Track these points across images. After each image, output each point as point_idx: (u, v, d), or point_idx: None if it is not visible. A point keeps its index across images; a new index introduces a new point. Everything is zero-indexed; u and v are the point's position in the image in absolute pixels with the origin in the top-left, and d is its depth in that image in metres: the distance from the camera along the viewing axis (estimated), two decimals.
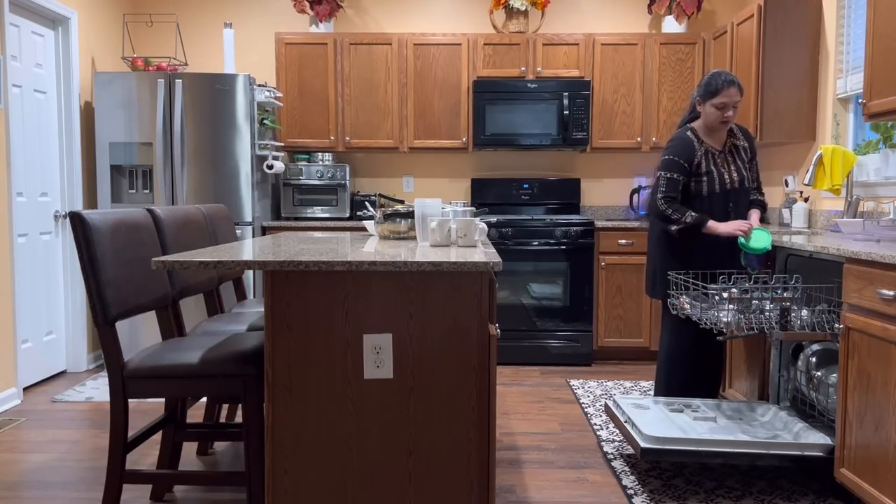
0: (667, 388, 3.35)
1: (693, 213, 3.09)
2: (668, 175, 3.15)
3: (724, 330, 2.79)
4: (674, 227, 3.13)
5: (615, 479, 2.96)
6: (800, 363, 3.01)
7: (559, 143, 5.03)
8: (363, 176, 5.56)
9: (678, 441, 2.75)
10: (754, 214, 3.26)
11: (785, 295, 2.85)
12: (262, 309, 3.31)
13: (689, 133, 3.20)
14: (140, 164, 4.70)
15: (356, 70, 5.12)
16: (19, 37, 4.22)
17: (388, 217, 2.86)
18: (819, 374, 2.90)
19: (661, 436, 2.76)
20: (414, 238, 2.85)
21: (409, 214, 2.85)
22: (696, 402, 3.19)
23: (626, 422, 2.99)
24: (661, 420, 2.97)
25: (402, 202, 3.01)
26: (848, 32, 3.96)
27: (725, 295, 2.84)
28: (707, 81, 3.15)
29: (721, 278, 3.02)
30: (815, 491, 2.81)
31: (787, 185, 4.47)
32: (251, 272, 4.72)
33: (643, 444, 2.76)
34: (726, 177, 3.17)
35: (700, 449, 2.72)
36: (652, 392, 4.12)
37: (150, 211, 2.74)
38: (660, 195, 3.15)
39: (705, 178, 3.16)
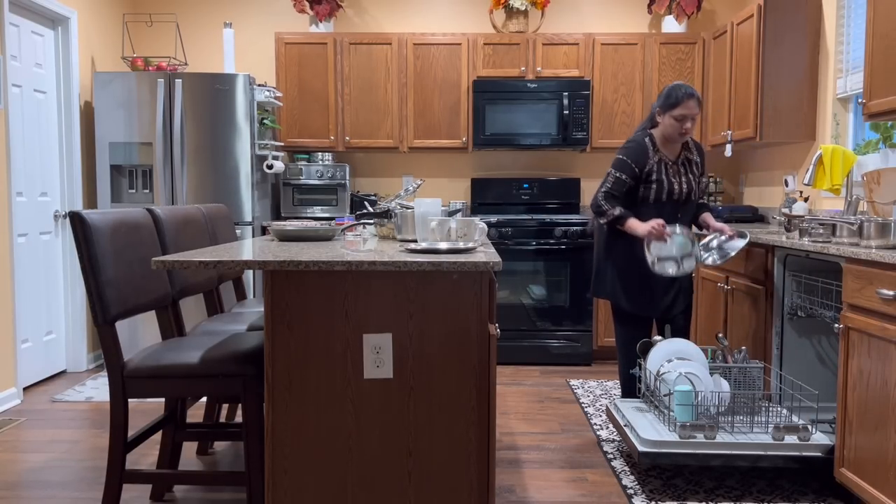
0: (628, 391, 3.37)
1: (621, 209, 3.16)
2: (617, 175, 3.19)
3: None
4: (602, 220, 3.21)
5: (615, 478, 2.96)
6: (648, 360, 3.10)
7: (559, 143, 5.03)
8: (363, 176, 5.56)
9: (676, 444, 2.75)
10: (709, 217, 3.36)
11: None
12: (262, 309, 3.31)
13: (646, 139, 3.23)
14: (140, 164, 4.70)
15: (356, 70, 5.12)
16: (19, 37, 4.22)
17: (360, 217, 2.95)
18: (664, 367, 3.00)
19: (659, 440, 2.76)
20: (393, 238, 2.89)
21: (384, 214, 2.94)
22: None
23: (625, 426, 2.99)
24: (661, 423, 2.97)
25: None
26: (848, 32, 3.96)
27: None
28: (667, 93, 3.18)
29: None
30: (815, 490, 2.81)
31: (787, 184, 4.47)
32: (251, 272, 4.72)
33: (641, 448, 2.76)
34: (675, 187, 3.21)
35: (698, 452, 2.72)
36: None
37: (149, 211, 2.74)
38: (603, 189, 3.21)
39: (654, 186, 3.19)
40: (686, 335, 3.36)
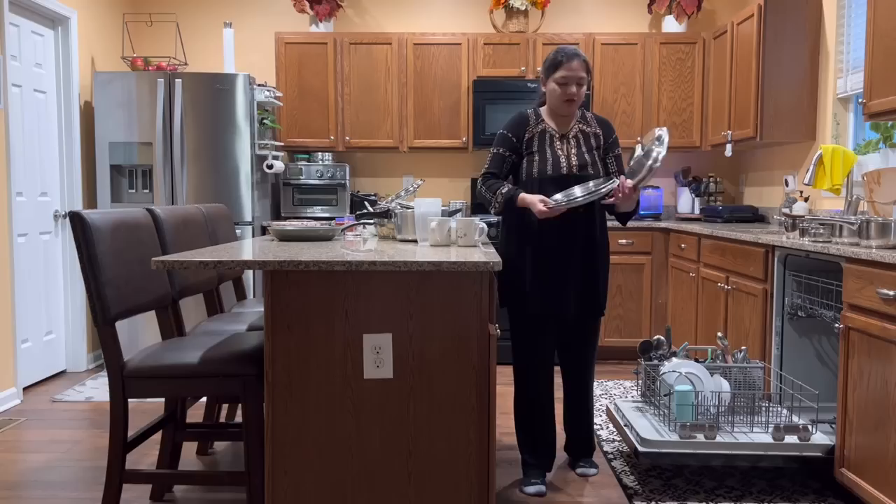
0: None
1: (503, 191, 2.77)
2: (494, 150, 2.87)
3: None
4: (492, 211, 2.83)
5: (615, 478, 2.96)
6: (644, 360, 3.14)
7: None
8: (363, 176, 5.56)
9: (676, 444, 2.75)
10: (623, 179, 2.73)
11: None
12: (262, 309, 3.31)
13: (530, 111, 2.90)
14: (140, 164, 4.70)
15: (356, 70, 5.12)
16: (19, 36, 4.22)
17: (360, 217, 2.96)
18: (663, 367, 3.01)
19: (659, 440, 2.76)
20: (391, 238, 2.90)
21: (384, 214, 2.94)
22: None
23: (625, 426, 2.99)
24: (661, 423, 2.97)
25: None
26: (848, 32, 3.96)
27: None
28: (550, 57, 2.82)
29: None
30: (816, 491, 2.81)
31: (787, 184, 4.47)
32: (251, 272, 4.72)
33: (641, 448, 2.76)
34: (562, 160, 2.81)
35: (698, 452, 2.72)
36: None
37: (149, 211, 2.74)
38: (482, 173, 2.87)
39: (536, 158, 2.82)
40: (587, 360, 3.01)
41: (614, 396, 4.11)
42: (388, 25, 5.46)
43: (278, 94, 5.02)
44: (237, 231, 4.64)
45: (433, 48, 5.11)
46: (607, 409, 3.27)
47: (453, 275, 2.07)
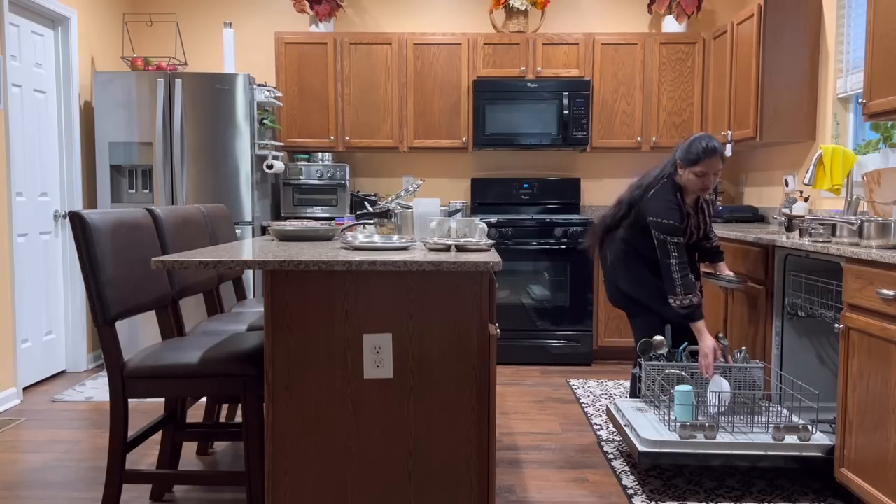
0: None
1: (696, 299, 2.99)
2: (676, 241, 3.00)
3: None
4: (677, 302, 3.00)
5: (615, 478, 2.96)
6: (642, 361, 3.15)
7: (559, 143, 5.03)
8: (363, 176, 5.56)
9: (676, 444, 2.75)
10: (723, 268, 3.36)
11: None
12: (262, 309, 3.31)
13: (676, 196, 3.07)
14: (140, 164, 4.70)
15: (356, 70, 5.12)
16: (19, 36, 4.22)
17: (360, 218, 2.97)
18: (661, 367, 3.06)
19: (659, 439, 2.76)
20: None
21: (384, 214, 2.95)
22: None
23: (625, 425, 2.99)
24: (661, 423, 2.97)
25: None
26: (848, 32, 3.96)
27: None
28: (688, 146, 3.03)
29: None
30: (816, 491, 2.81)
31: (787, 184, 4.47)
32: (251, 272, 4.72)
33: (641, 448, 2.76)
34: (693, 235, 3.19)
35: (698, 452, 2.72)
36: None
37: (149, 211, 2.74)
38: (675, 262, 3.00)
39: None
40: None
41: (614, 396, 4.11)
42: (387, 25, 5.46)
43: (278, 94, 5.02)
44: (237, 231, 4.64)
45: (433, 48, 5.11)
46: (607, 409, 3.27)
47: (453, 275, 2.07)
